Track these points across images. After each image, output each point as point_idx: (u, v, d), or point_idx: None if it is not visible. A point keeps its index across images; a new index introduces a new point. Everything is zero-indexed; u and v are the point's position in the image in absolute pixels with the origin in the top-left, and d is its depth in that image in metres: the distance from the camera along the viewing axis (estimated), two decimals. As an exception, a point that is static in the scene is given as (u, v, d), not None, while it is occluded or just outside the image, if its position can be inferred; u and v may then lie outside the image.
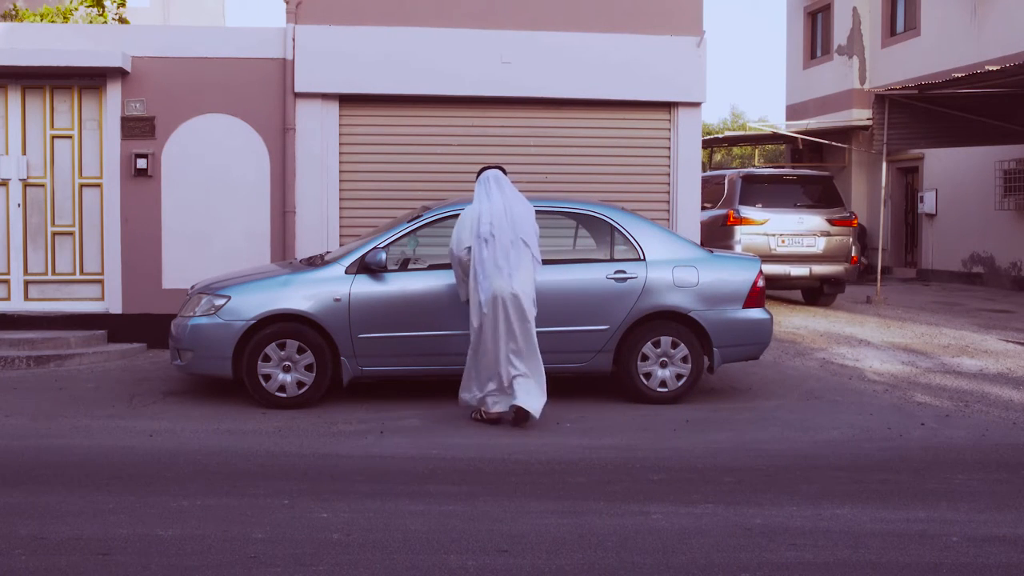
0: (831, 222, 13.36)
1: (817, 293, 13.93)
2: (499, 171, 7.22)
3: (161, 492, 5.35)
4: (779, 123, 25.18)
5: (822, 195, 13.77)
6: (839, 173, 21.03)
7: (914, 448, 6.58)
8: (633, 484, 5.63)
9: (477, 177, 7.22)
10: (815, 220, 13.33)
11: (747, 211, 13.18)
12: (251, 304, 7.48)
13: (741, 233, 13.00)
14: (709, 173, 15.73)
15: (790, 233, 13.17)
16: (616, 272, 7.72)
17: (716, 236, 13.08)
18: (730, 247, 12.71)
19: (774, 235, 13.10)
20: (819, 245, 13.25)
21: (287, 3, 10.33)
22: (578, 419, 7.28)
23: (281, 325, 7.48)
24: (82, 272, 10.32)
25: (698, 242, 9.92)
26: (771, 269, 12.58)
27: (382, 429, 6.94)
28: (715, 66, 70.51)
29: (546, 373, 7.66)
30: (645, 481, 5.70)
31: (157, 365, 9.25)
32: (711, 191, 14.02)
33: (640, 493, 5.43)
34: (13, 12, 13.20)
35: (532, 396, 6.92)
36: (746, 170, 14.15)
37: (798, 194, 13.73)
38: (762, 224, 13.08)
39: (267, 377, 7.47)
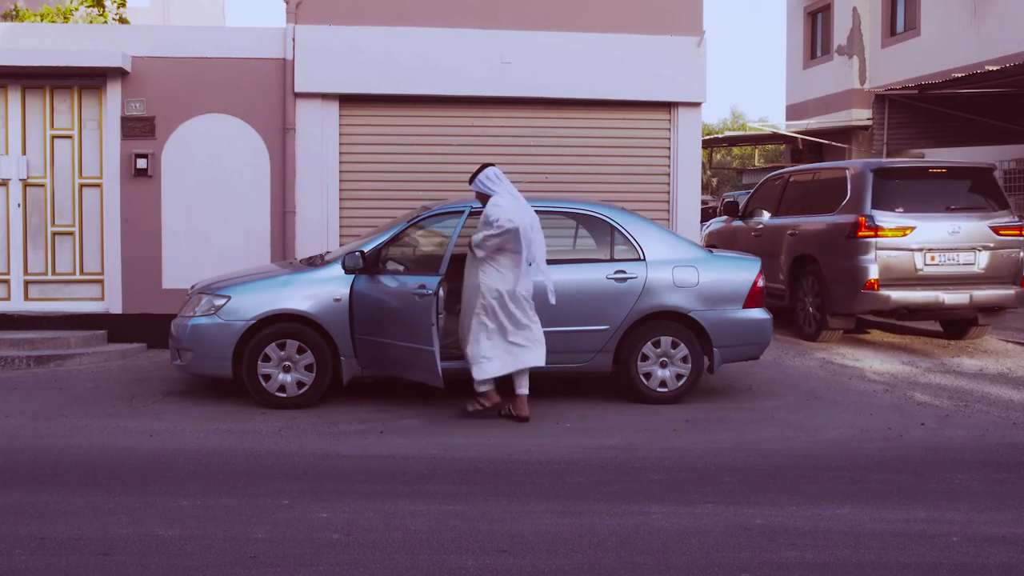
0: (995, 230, 9.93)
1: (966, 324, 10.67)
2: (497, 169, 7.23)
3: (161, 492, 5.36)
4: (779, 123, 25.22)
5: (980, 193, 10.24)
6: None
7: (914, 448, 6.58)
8: (633, 484, 5.63)
9: (478, 174, 7.14)
10: (976, 228, 9.87)
11: (884, 217, 9.72)
12: (251, 304, 7.48)
13: (877, 248, 9.64)
14: (816, 165, 12.54)
15: (942, 247, 9.77)
16: (616, 272, 7.71)
17: (836, 251, 9.99)
18: (859, 268, 9.69)
19: (921, 250, 9.72)
20: (980, 262, 9.83)
21: (287, 3, 10.33)
22: (578, 419, 7.28)
23: (281, 325, 7.47)
24: (82, 272, 10.32)
25: (698, 242, 9.93)
26: (914, 296, 9.72)
27: (382, 429, 6.94)
28: (715, 66, 70.67)
29: (546, 373, 7.77)
30: (645, 481, 5.70)
31: (157, 365, 9.25)
32: (825, 188, 10.82)
33: (640, 493, 5.43)
34: (14, 12, 13.19)
35: (536, 353, 7.07)
36: (877, 161, 10.78)
37: (950, 193, 10.18)
38: (905, 235, 9.71)
39: (267, 377, 7.47)
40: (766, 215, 11.83)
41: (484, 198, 7.12)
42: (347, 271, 7.41)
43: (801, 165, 14.32)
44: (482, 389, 7.12)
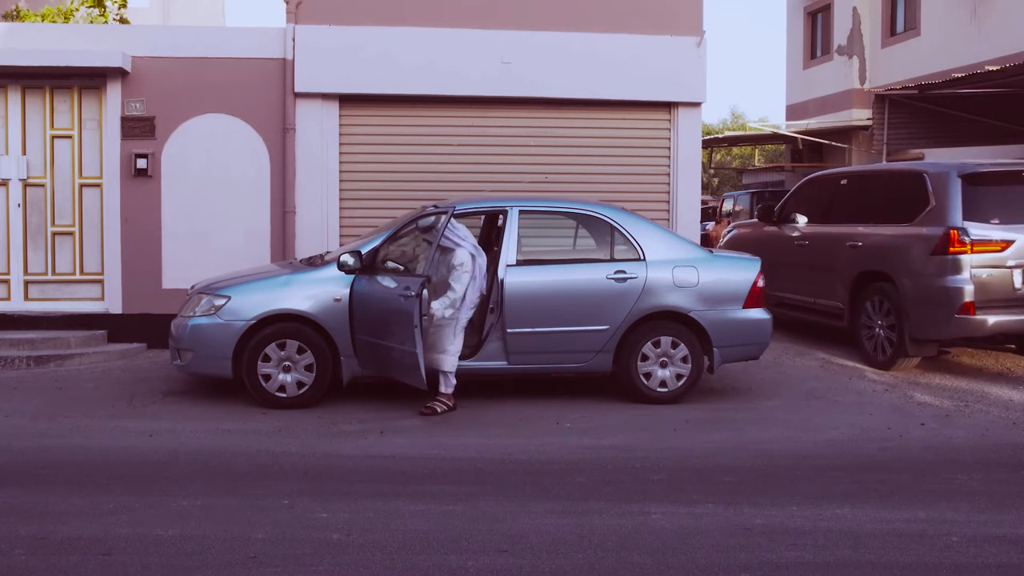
0: None
1: None
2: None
3: (161, 492, 5.36)
4: (779, 123, 25.21)
5: None
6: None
7: (914, 448, 6.58)
8: (633, 484, 5.63)
9: (450, 221, 7.26)
10: None
11: (979, 230, 8.45)
12: (251, 304, 7.48)
13: (971, 265, 8.41)
14: (878, 166, 11.05)
15: None
16: (616, 272, 7.71)
17: (918, 268, 8.69)
18: (950, 289, 8.41)
19: (1019, 266, 8.47)
20: None
21: (287, 3, 10.33)
22: (578, 419, 7.28)
23: (281, 325, 7.47)
24: (82, 272, 10.32)
25: (698, 242, 9.92)
26: (1014, 319, 8.51)
27: (382, 429, 6.94)
28: (715, 66, 70.76)
29: (547, 374, 8.01)
30: (645, 481, 5.70)
31: (157, 365, 9.25)
32: (895, 193, 9.42)
33: (640, 493, 5.43)
34: (15, 12, 13.19)
35: None
36: (960, 162, 9.25)
37: None
38: (1002, 250, 8.45)
39: (267, 377, 7.47)
40: (802, 220, 10.66)
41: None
42: (346, 271, 7.42)
43: (855, 166, 12.56)
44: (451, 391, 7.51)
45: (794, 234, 10.68)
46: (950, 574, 4.28)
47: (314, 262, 8.10)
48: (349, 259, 7.37)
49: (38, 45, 10.02)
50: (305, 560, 4.33)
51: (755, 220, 12.10)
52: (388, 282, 7.31)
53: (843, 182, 10.44)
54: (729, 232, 12.75)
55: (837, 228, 9.97)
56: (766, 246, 10.89)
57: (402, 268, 7.62)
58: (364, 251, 7.48)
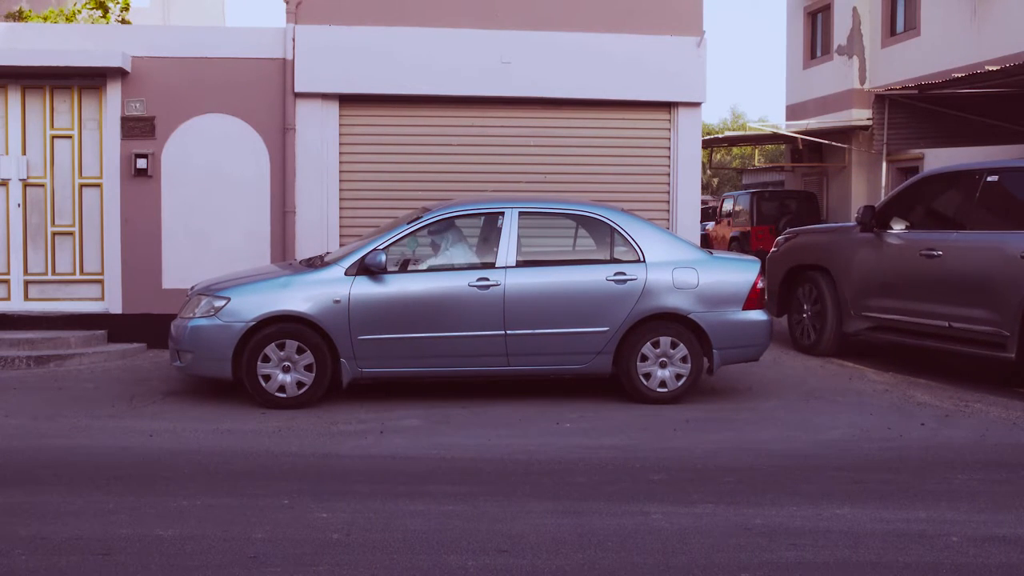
0: None
1: None
2: None
3: (161, 492, 5.36)
4: (779, 123, 25.21)
5: None
6: (839, 173, 21.06)
7: (914, 448, 6.58)
8: (633, 484, 5.63)
9: None
10: None
11: None
12: (251, 305, 7.47)
13: None
14: None
15: None
16: (616, 274, 7.71)
17: None
18: None
19: None
20: None
21: (287, 3, 10.34)
22: (578, 419, 7.28)
23: (281, 326, 7.47)
24: (82, 272, 10.33)
25: (698, 243, 9.92)
26: None
27: (382, 429, 6.94)
28: (715, 66, 70.78)
29: (546, 375, 7.94)
30: (645, 481, 5.70)
31: (157, 365, 9.26)
32: None
33: (640, 493, 5.43)
34: (17, 13, 13.19)
35: None
36: None
37: None
38: None
39: (267, 377, 7.46)
40: (899, 226, 9.12)
41: None
42: (378, 270, 7.45)
43: (1002, 160, 9.58)
44: None
45: (897, 242, 9.04)
46: (950, 574, 4.28)
47: (314, 263, 8.10)
48: (380, 257, 7.41)
49: (38, 45, 10.03)
50: (305, 560, 4.33)
51: (823, 225, 11.29)
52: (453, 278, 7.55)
53: (991, 179, 8.44)
54: (786, 239, 10.72)
55: (994, 237, 8.18)
56: (856, 257, 9.39)
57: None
58: (384, 251, 7.50)
